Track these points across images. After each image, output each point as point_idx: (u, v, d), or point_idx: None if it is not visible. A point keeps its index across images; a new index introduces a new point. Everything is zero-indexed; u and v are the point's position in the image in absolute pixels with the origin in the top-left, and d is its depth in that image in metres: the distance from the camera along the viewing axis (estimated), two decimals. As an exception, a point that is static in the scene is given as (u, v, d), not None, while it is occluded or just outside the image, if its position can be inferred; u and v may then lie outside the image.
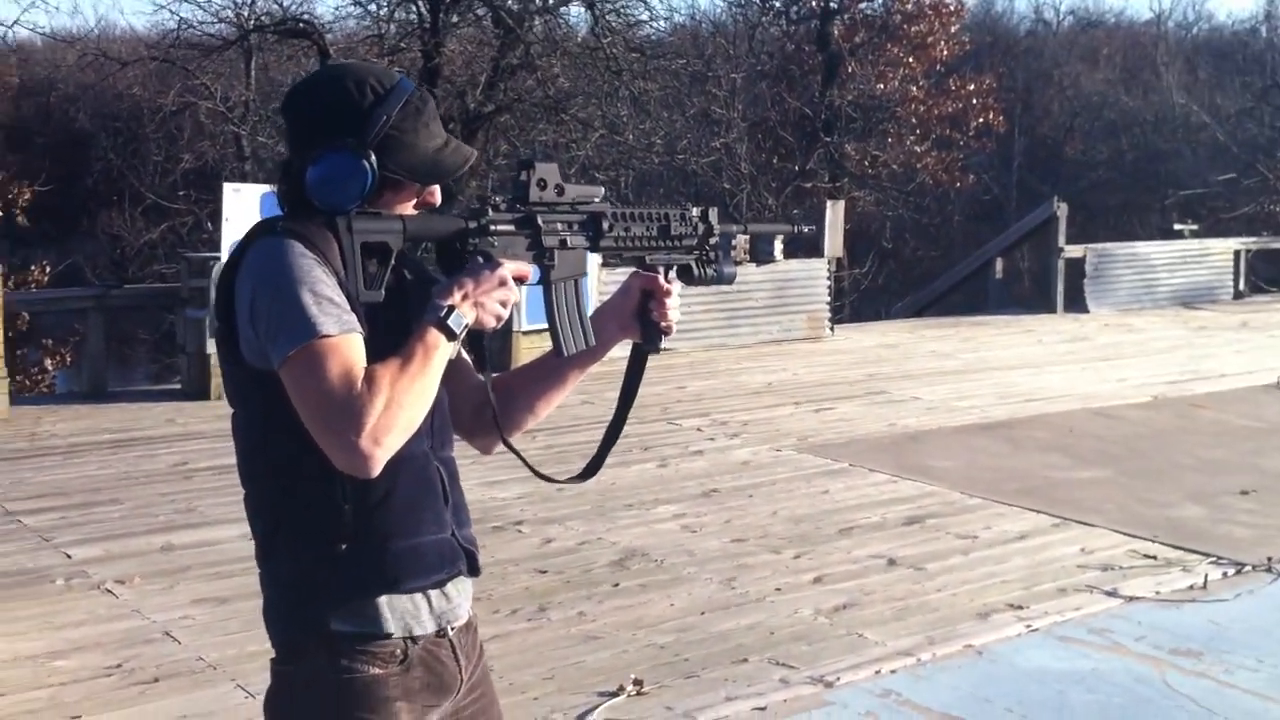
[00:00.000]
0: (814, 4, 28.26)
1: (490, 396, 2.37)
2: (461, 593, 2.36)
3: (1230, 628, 5.54)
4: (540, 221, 2.35)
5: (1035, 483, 8.01)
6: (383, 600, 2.23)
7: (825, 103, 26.46)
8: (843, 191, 24.76)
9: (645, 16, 21.12)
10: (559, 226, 2.37)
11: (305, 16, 20.74)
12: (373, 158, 2.17)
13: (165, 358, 20.19)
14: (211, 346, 10.03)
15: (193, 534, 6.67)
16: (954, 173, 28.15)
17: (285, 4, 21.30)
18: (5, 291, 9.91)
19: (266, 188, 10.76)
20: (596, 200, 2.43)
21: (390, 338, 2.14)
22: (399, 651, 2.25)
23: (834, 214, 14.37)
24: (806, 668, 5.04)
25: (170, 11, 21.11)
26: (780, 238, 2.73)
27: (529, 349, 10.67)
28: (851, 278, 24.58)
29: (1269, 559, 6.39)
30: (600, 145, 21.28)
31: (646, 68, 20.49)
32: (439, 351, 2.13)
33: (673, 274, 2.54)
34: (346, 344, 2.07)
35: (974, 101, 28.36)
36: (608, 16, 19.69)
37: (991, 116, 28.52)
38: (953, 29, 28.89)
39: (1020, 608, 5.74)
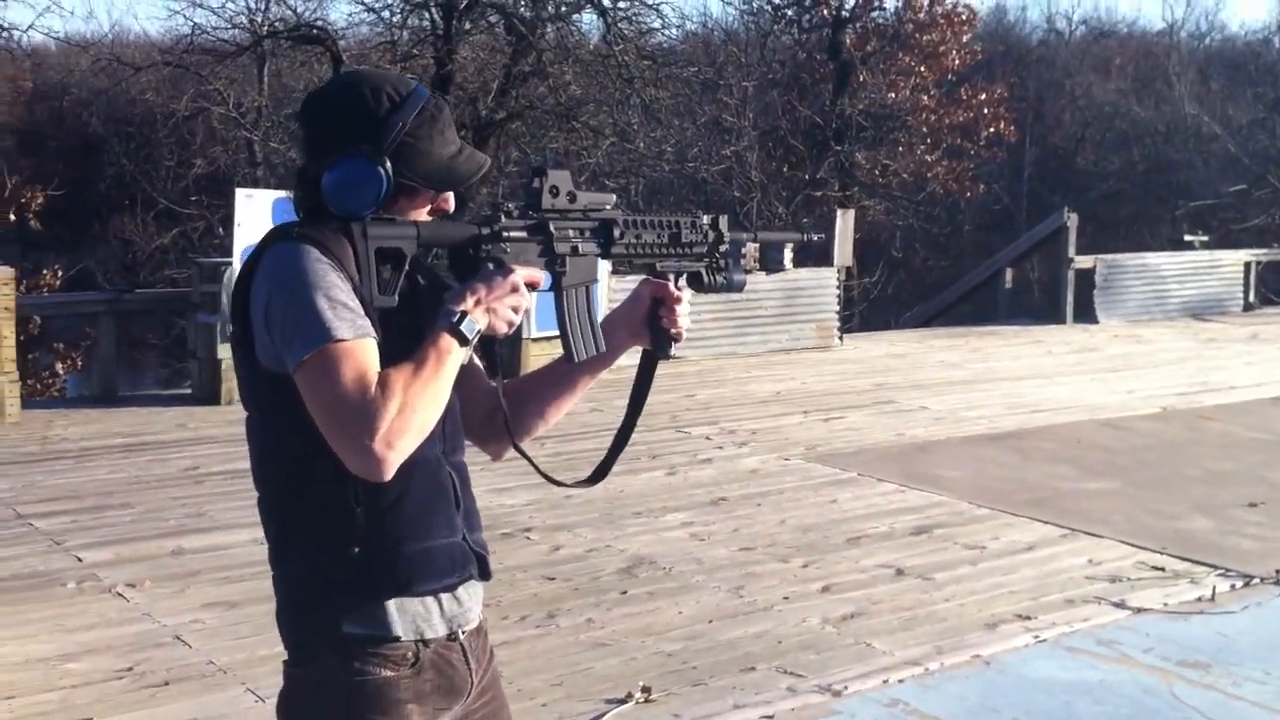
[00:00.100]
0: (826, 12, 28.27)
1: (502, 402, 2.39)
2: (472, 596, 2.38)
3: (1238, 640, 5.54)
4: (553, 228, 2.36)
5: (1043, 493, 8.01)
6: (394, 603, 2.25)
7: (836, 111, 26.48)
8: (853, 200, 24.75)
9: (657, 24, 21.20)
10: (571, 233, 2.39)
11: (318, 23, 20.85)
12: (388, 164, 2.19)
13: (175, 362, 20.24)
14: (223, 351, 10.10)
15: (203, 538, 6.70)
16: (964, 182, 28.12)
17: (299, 10, 21.43)
18: (18, 295, 9.95)
19: (279, 193, 10.80)
20: (608, 207, 2.45)
21: (403, 342, 2.16)
22: (410, 654, 2.27)
23: (844, 223, 14.39)
24: (814, 676, 5.05)
25: (184, 17, 21.22)
26: (790, 246, 2.74)
27: (538, 355, 10.69)
28: (861, 287, 24.58)
29: (1277, 571, 6.39)
30: (611, 153, 21.32)
31: (658, 75, 20.54)
32: (452, 356, 2.15)
33: (683, 281, 2.56)
34: (361, 348, 2.09)
35: (985, 111, 28.33)
36: (620, 24, 19.73)
37: (1003, 126, 28.48)
38: (964, 38, 28.86)
39: (1028, 618, 5.75)
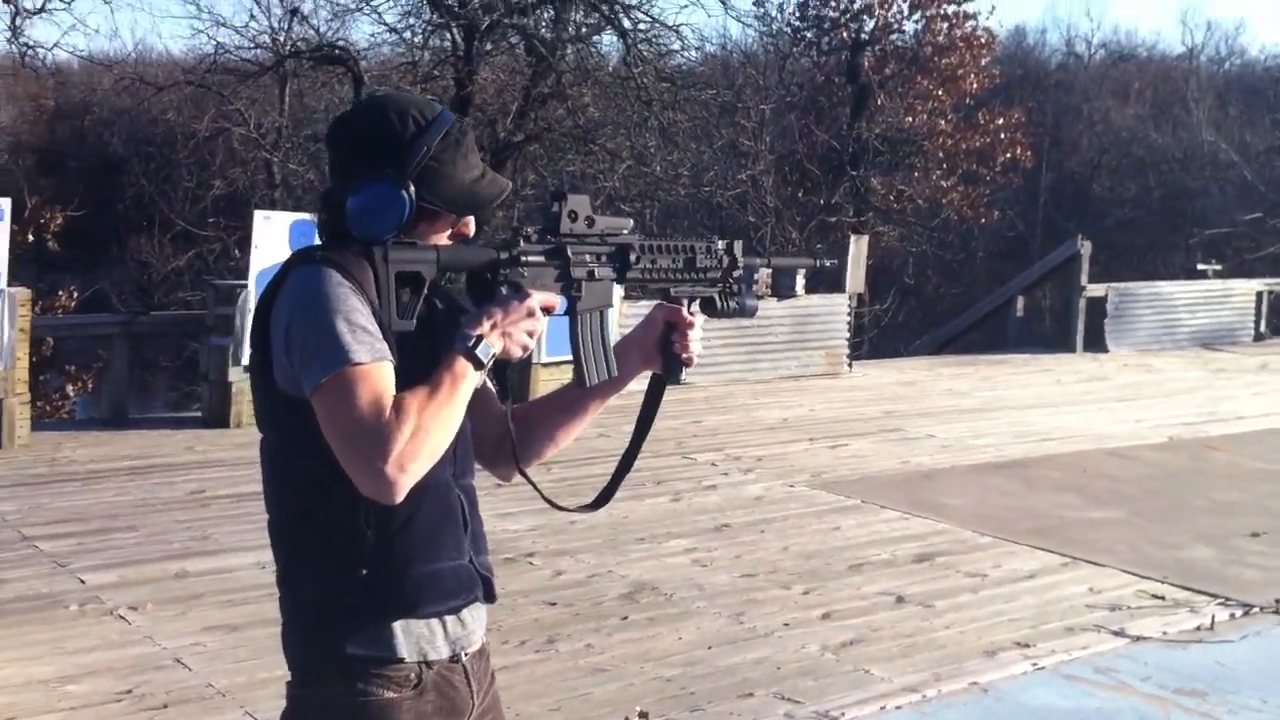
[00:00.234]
0: (845, 35, 28.31)
1: (510, 426, 2.42)
2: (476, 619, 2.41)
3: (1236, 669, 5.55)
4: (570, 253, 2.38)
5: (1047, 522, 8.02)
6: (399, 625, 2.28)
7: (853, 135, 26.52)
8: (867, 226, 24.76)
9: (677, 46, 21.21)
10: (587, 258, 2.41)
11: (340, 43, 20.93)
12: (411, 188, 2.23)
13: (185, 385, 20.29)
14: (234, 375, 10.14)
15: (207, 561, 6.74)
16: (979, 208, 28.09)
17: (321, 30, 21.53)
18: (33, 316, 10.01)
19: (297, 215, 10.85)
20: (625, 232, 2.47)
21: (419, 365, 2.18)
22: (413, 676, 2.29)
23: (857, 249, 14.41)
24: (812, 703, 5.07)
25: (208, 36, 21.34)
26: (803, 272, 2.78)
27: (547, 380, 10.72)
28: (872, 314, 24.56)
29: (1277, 601, 6.39)
30: (627, 176, 21.35)
31: (676, 98, 20.56)
32: (466, 380, 2.18)
33: (695, 306, 2.58)
34: (378, 372, 2.12)
35: (1002, 136, 28.30)
36: (640, 45, 19.78)
37: (1019, 152, 28.46)
38: (983, 61, 28.86)
39: (1027, 646, 5.76)
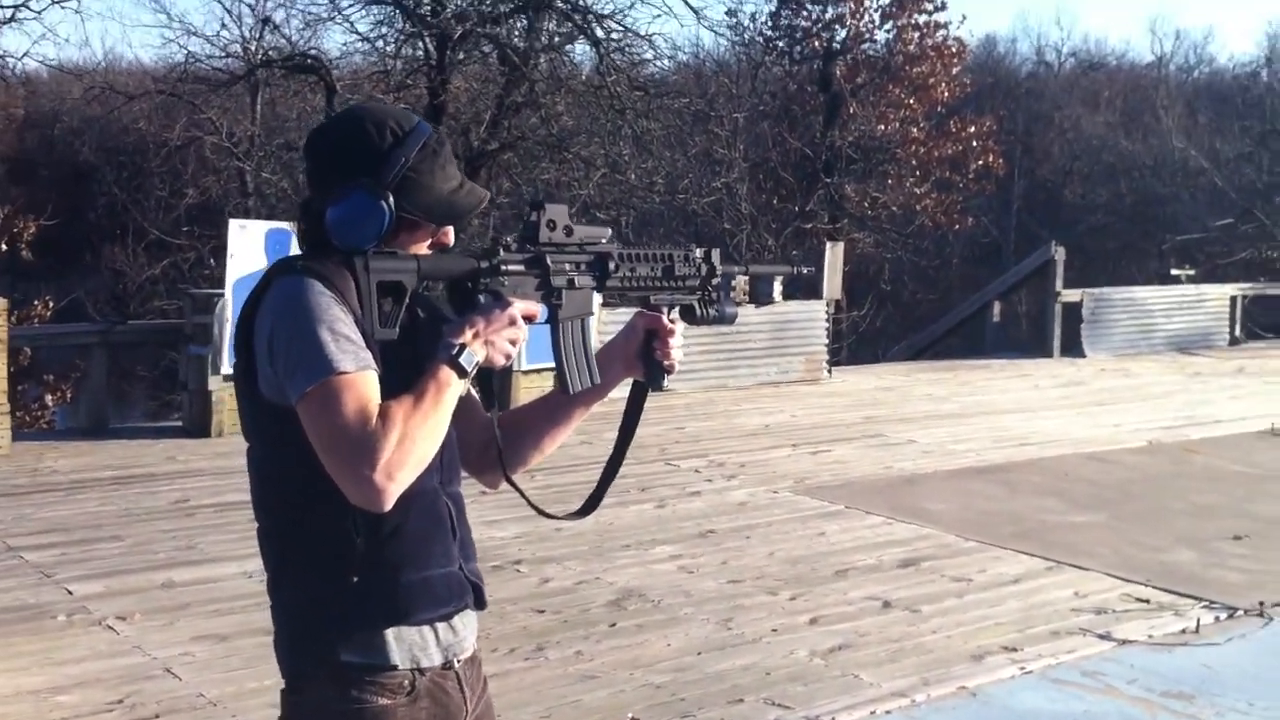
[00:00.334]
0: (817, 44, 28.45)
1: (496, 434, 2.43)
2: (467, 626, 2.42)
3: (1222, 671, 5.58)
4: (549, 261, 2.40)
5: (1030, 526, 8.06)
6: (391, 632, 2.28)
7: (826, 143, 26.61)
8: (842, 233, 24.86)
9: (650, 55, 21.26)
10: (567, 267, 2.43)
11: (313, 52, 20.88)
12: (390, 199, 2.24)
13: (164, 394, 20.22)
14: (214, 383, 10.11)
15: (193, 571, 6.71)
16: (953, 215, 28.25)
17: (293, 40, 21.48)
18: (9, 326, 9.97)
19: (272, 224, 10.84)
20: (604, 241, 2.49)
21: (403, 374, 2.19)
22: (406, 683, 2.30)
23: (833, 255, 14.48)
24: (801, 708, 5.08)
25: (179, 45, 21.28)
26: (779, 279, 2.79)
27: (528, 388, 10.73)
28: (850, 320, 24.65)
29: (1260, 603, 6.43)
30: (602, 184, 21.37)
31: (650, 106, 20.60)
32: (451, 388, 2.19)
33: (675, 313, 2.60)
34: (362, 381, 2.13)
35: (974, 144, 28.49)
36: (612, 55, 19.81)
37: (991, 159, 28.64)
38: (954, 70, 29.04)
39: (1014, 650, 5.78)
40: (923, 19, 28.56)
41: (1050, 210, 34.50)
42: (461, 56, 20.10)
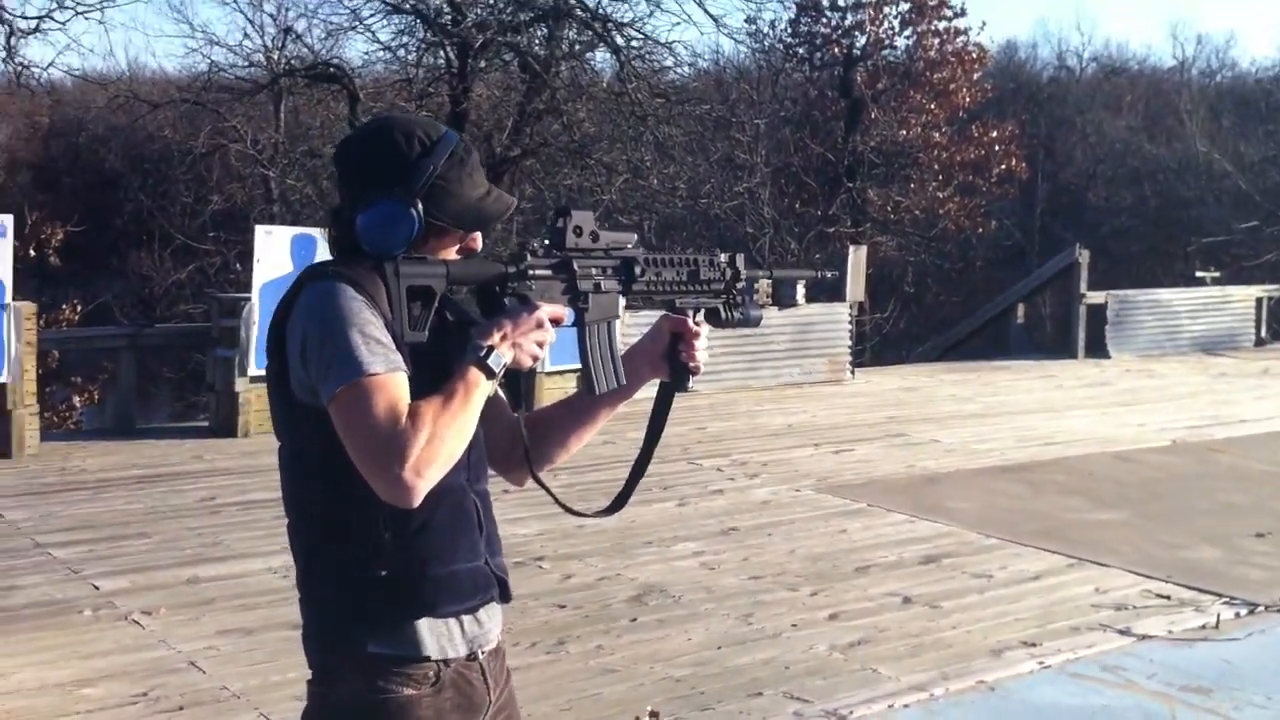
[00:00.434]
0: (837, 51, 28.45)
1: (523, 433, 2.47)
2: (492, 618, 2.46)
3: (1241, 666, 5.58)
4: (576, 266, 2.44)
5: (1052, 524, 8.06)
6: (419, 624, 2.33)
7: (848, 148, 26.60)
8: (865, 237, 24.86)
9: (670, 62, 21.31)
10: (593, 271, 2.47)
11: (335, 61, 21.00)
12: (420, 206, 2.29)
13: (189, 396, 20.32)
14: (240, 385, 10.20)
15: (219, 567, 6.77)
16: (976, 218, 28.21)
17: (315, 49, 21.60)
18: (39, 329, 10.06)
19: (297, 230, 10.92)
20: (629, 246, 2.53)
21: (432, 376, 2.23)
22: (432, 674, 2.34)
23: (856, 259, 14.50)
24: (821, 701, 5.10)
25: (202, 54, 21.40)
26: (803, 282, 2.83)
27: (551, 389, 10.76)
28: (873, 322, 24.64)
29: (1282, 600, 6.44)
30: (624, 190, 21.42)
31: (671, 113, 20.65)
32: (479, 389, 2.24)
33: (700, 316, 2.63)
34: (392, 382, 2.18)
35: (996, 148, 28.45)
36: (633, 62, 19.87)
37: (1014, 163, 28.60)
38: (975, 75, 29.00)
39: (1034, 645, 5.79)
40: (942, 25, 28.54)
41: (1074, 214, 34.41)
42: (483, 65, 20.19)
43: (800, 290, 12.62)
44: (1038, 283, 18.84)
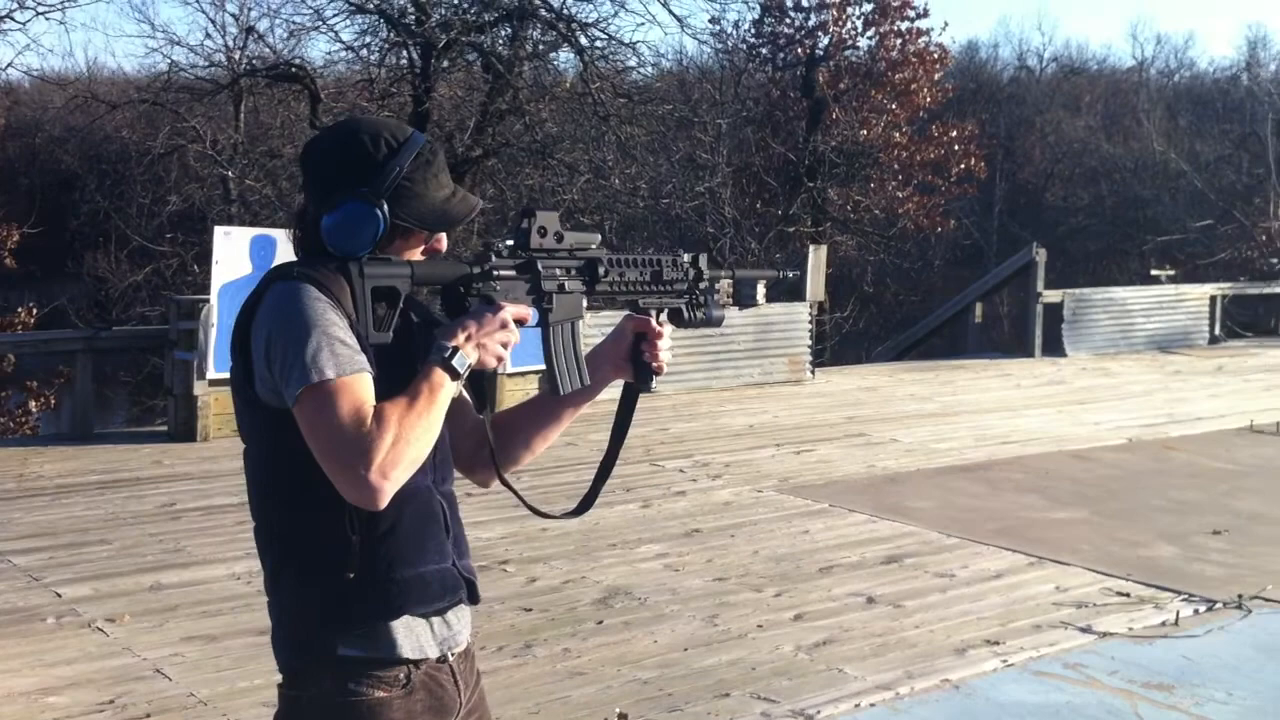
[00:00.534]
0: (800, 51, 28.49)
1: (489, 434, 2.49)
2: (461, 620, 2.47)
3: (1201, 662, 5.65)
4: (540, 267, 2.46)
5: (1011, 523, 8.12)
6: (388, 626, 2.34)
7: (809, 148, 26.65)
8: (825, 236, 24.94)
9: (633, 62, 21.34)
10: (558, 271, 2.49)
11: (297, 61, 20.88)
12: (385, 207, 2.30)
13: (146, 400, 20.17)
14: (199, 389, 10.13)
15: (181, 573, 6.74)
16: (935, 218, 28.32)
17: (278, 49, 21.47)
18: (-5, 333, 9.99)
19: (256, 230, 10.86)
20: (593, 247, 2.54)
21: (397, 376, 2.25)
22: (403, 676, 2.35)
23: (816, 258, 14.55)
24: (787, 701, 5.13)
25: (163, 54, 21.22)
26: (764, 282, 2.85)
27: (513, 390, 10.76)
28: (833, 321, 24.72)
29: (1239, 596, 6.51)
30: (586, 189, 21.42)
31: (633, 113, 20.67)
32: (444, 390, 2.25)
33: (663, 316, 2.66)
34: (357, 383, 2.19)
35: (956, 148, 28.56)
36: (596, 62, 19.87)
37: (973, 163, 28.71)
38: (936, 76, 29.12)
39: (996, 644, 5.85)
40: (904, 26, 28.66)
41: (1032, 213, 34.65)
42: (446, 65, 20.14)
43: (761, 290, 12.65)
44: (995, 282, 18.95)
